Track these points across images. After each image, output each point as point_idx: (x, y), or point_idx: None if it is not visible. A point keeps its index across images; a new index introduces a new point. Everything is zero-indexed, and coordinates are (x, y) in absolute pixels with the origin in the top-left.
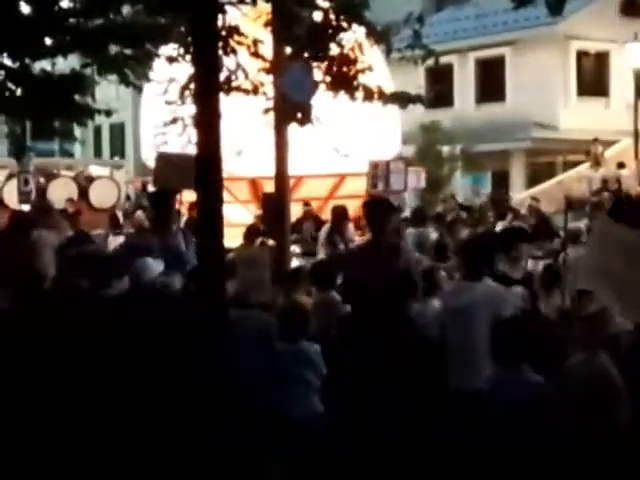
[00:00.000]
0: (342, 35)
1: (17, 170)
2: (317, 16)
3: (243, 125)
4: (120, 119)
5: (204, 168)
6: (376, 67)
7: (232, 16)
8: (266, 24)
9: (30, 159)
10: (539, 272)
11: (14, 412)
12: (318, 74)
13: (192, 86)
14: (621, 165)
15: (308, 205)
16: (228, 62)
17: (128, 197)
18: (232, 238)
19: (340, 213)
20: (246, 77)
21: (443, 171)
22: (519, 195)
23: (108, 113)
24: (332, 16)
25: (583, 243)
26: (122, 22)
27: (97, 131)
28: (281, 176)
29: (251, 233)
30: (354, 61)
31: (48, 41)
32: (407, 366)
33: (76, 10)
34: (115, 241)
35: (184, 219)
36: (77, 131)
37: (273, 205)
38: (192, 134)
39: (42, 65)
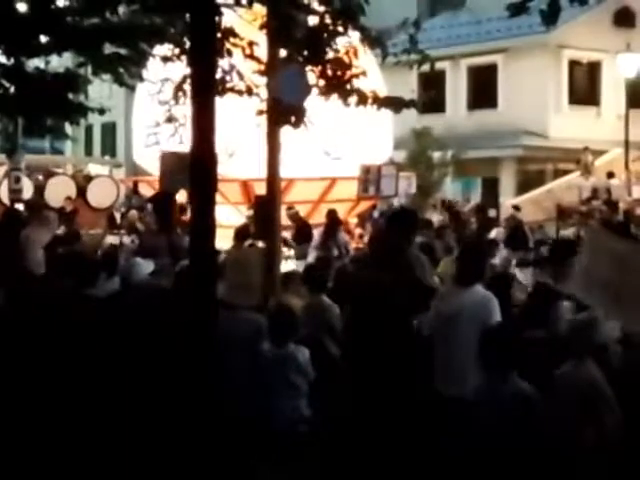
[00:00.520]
0: (337, 39)
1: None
2: (312, 20)
3: (235, 127)
4: (112, 118)
5: (198, 169)
6: (370, 72)
7: (228, 18)
8: (262, 26)
9: (22, 156)
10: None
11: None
12: (312, 77)
13: (186, 86)
14: (611, 175)
15: (292, 209)
16: (222, 63)
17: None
18: (222, 239)
19: (335, 218)
20: (240, 78)
21: (433, 176)
22: (509, 202)
23: (101, 111)
24: (328, 20)
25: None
26: (118, 22)
27: (88, 129)
28: (272, 179)
29: (241, 234)
30: (348, 65)
31: (43, 39)
32: (399, 372)
33: (72, 9)
34: (114, 241)
35: None
36: (68, 129)
37: (265, 208)
38: (184, 134)
39: (36, 63)
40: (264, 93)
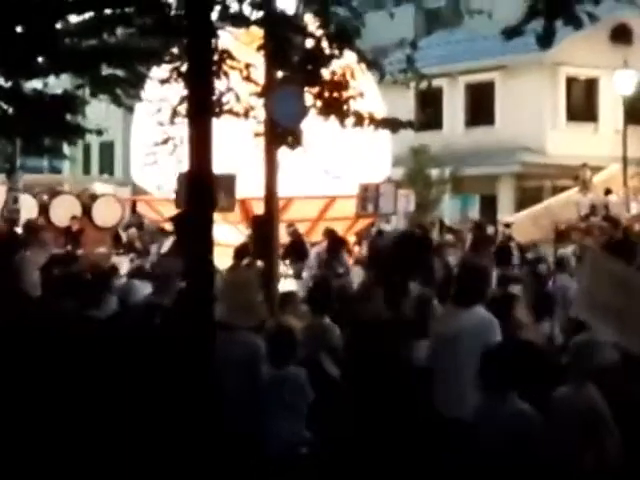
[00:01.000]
0: (333, 61)
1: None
2: (309, 42)
3: (234, 146)
4: (110, 137)
5: (195, 188)
6: (367, 91)
7: (225, 40)
8: (259, 48)
9: (20, 176)
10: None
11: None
12: (309, 98)
13: (183, 107)
14: (608, 191)
15: (291, 226)
16: (220, 85)
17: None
18: (221, 258)
19: (337, 237)
20: (237, 100)
21: (432, 194)
22: (507, 219)
23: (99, 132)
24: (324, 44)
25: (570, 270)
26: (115, 43)
27: (87, 148)
28: (270, 197)
29: (240, 253)
30: (345, 87)
31: (41, 60)
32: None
33: (70, 30)
34: (119, 261)
35: (169, 241)
36: (66, 148)
37: (263, 227)
38: (182, 154)
39: (34, 84)
40: (261, 114)
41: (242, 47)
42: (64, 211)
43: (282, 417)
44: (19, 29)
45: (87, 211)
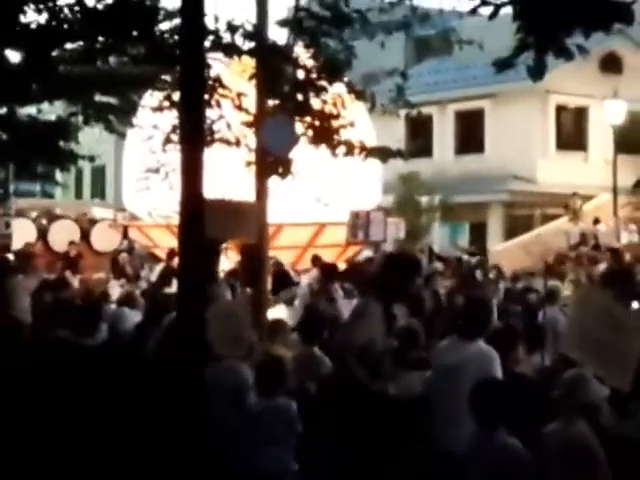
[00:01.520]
0: (325, 90)
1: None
2: (300, 73)
3: (224, 172)
4: (102, 161)
5: (187, 216)
6: (358, 120)
7: (217, 69)
8: (250, 78)
9: (12, 202)
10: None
11: None
12: (300, 127)
13: (175, 135)
14: (597, 221)
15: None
16: (211, 113)
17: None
18: None
19: (328, 264)
20: (229, 128)
21: (421, 221)
22: (496, 247)
23: (91, 159)
24: (314, 75)
25: (560, 302)
26: (109, 71)
27: (79, 173)
28: (260, 225)
29: (229, 279)
30: (336, 116)
31: (35, 87)
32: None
33: (64, 58)
34: (115, 287)
35: (160, 267)
36: (58, 173)
37: (252, 254)
38: (174, 181)
39: (27, 111)
40: (252, 142)
41: (234, 76)
42: (62, 236)
43: (270, 448)
44: (14, 56)
45: (86, 236)
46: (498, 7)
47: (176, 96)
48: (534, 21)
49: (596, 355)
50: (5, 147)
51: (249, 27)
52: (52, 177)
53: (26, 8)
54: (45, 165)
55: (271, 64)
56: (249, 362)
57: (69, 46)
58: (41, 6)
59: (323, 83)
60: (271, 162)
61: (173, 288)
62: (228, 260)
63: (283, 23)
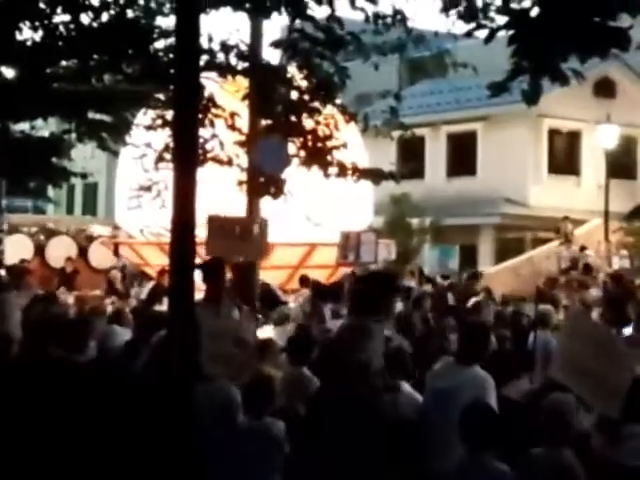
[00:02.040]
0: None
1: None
2: (293, 94)
3: (217, 190)
4: (94, 178)
5: (178, 234)
6: (351, 142)
7: (211, 88)
8: (244, 98)
9: (5, 218)
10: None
11: None
12: (293, 148)
13: (167, 153)
14: (583, 248)
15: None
16: (204, 132)
17: None
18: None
19: (321, 284)
20: (221, 148)
21: (412, 243)
22: (488, 270)
23: (84, 176)
24: (307, 96)
25: (551, 326)
26: (103, 89)
27: (70, 189)
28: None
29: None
30: (328, 137)
31: (29, 104)
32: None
33: (59, 75)
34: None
35: (150, 285)
36: (50, 188)
37: (242, 272)
38: (166, 199)
39: (21, 127)
40: (244, 162)
41: (227, 95)
42: (60, 252)
43: (258, 469)
44: (8, 72)
45: (83, 252)
46: (494, 31)
47: (169, 115)
48: (530, 45)
49: (585, 381)
50: None
51: (243, 47)
52: (44, 193)
53: (22, 25)
54: (38, 181)
55: (264, 84)
56: (238, 382)
57: (64, 63)
58: (37, 23)
59: (316, 104)
60: (263, 182)
61: (163, 306)
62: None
63: (276, 44)
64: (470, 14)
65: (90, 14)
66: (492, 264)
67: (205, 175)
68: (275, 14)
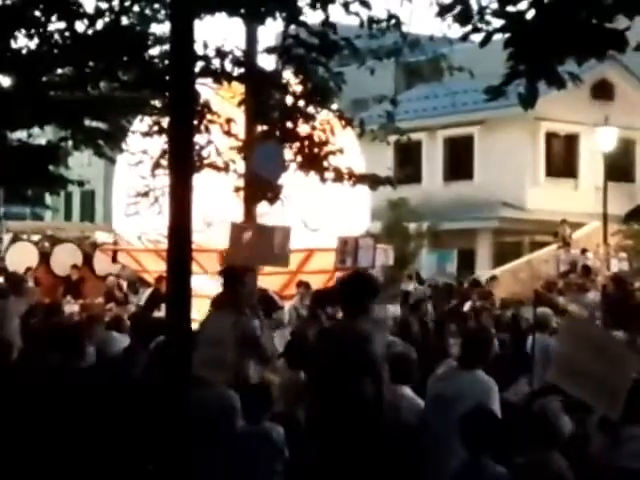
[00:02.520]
0: (313, 116)
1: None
2: (289, 100)
3: (214, 196)
4: (91, 185)
5: (175, 240)
6: (347, 147)
7: (207, 94)
8: (240, 103)
9: (3, 225)
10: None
11: None
12: (289, 153)
13: (164, 160)
14: (584, 251)
15: None
16: (200, 139)
17: None
18: (197, 309)
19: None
20: (218, 154)
21: (409, 248)
22: (486, 274)
23: (81, 184)
24: (302, 102)
25: (550, 329)
26: (99, 96)
27: (68, 196)
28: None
29: (216, 304)
30: (325, 143)
31: (26, 112)
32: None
33: (55, 83)
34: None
35: (148, 292)
36: (48, 195)
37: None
38: (163, 205)
39: (18, 135)
40: (241, 168)
41: (223, 102)
42: (65, 259)
43: (257, 475)
44: (5, 81)
45: (88, 260)
46: (490, 34)
47: (165, 121)
48: (526, 48)
49: (586, 384)
50: None
51: (238, 53)
52: (42, 201)
53: (17, 33)
54: (35, 189)
55: (260, 90)
56: (235, 387)
57: (59, 71)
58: (32, 31)
59: (312, 109)
60: (260, 188)
61: (161, 312)
62: (218, 284)
63: (271, 50)
64: (466, 17)
65: (85, 22)
66: (490, 268)
67: (201, 181)
68: (270, 20)
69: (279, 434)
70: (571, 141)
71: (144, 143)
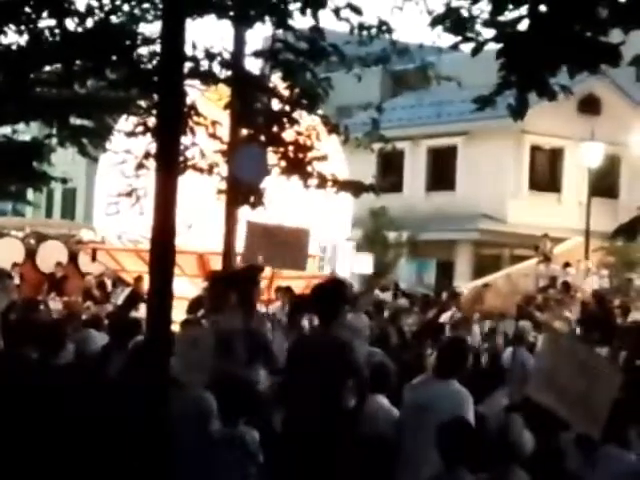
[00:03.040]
0: (299, 122)
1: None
2: (275, 104)
3: (195, 198)
4: (73, 183)
5: (158, 241)
6: (332, 153)
7: (193, 96)
8: (226, 106)
9: None
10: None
11: None
12: (273, 158)
13: (147, 160)
14: (567, 265)
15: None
16: (185, 140)
17: None
18: (176, 311)
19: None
20: (202, 156)
21: (388, 257)
22: (465, 285)
23: (64, 181)
24: (287, 107)
25: (529, 344)
26: (85, 94)
27: (49, 193)
28: (228, 253)
29: (194, 307)
30: (309, 148)
31: (12, 108)
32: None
33: (42, 80)
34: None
35: (127, 291)
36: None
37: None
38: (145, 206)
39: (3, 131)
40: (224, 171)
41: (209, 104)
42: (51, 257)
43: (230, 477)
44: None
45: (73, 258)
46: (481, 44)
47: (151, 122)
48: (518, 59)
49: (565, 401)
50: None
51: (227, 55)
52: (24, 196)
53: (7, 29)
54: (18, 185)
55: (246, 94)
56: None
57: (47, 68)
58: (22, 27)
59: (298, 115)
60: (243, 191)
61: (138, 312)
62: (195, 287)
63: (259, 54)
64: (457, 27)
65: (75, 19)
66: (469, 280)
67: (184, 183)
68: (259, 24)
69: (254, 438)
70: (556, 155)
71: (128, 143)
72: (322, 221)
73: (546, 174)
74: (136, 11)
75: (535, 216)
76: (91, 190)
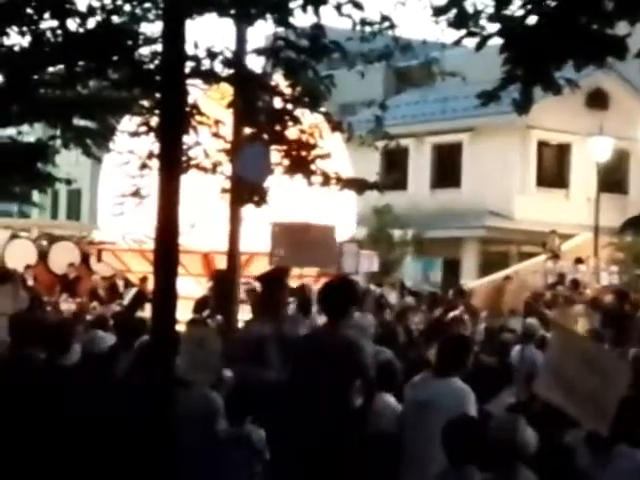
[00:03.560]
0: (302, 120)
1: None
2: (278, 102)
3: (199, 198)
4: (78, 184)
5: (162, 240)
6: (335, 151)
7: (195, 95)
8: (228, 105)
9: None
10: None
11: None
12: (276, 156)
13: (150, 160)
14: (579, 260)
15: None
16: (188, 139)
17: None
18: (181, 311)
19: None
20: (206, 156)
21: (394, 255)
22: (472, 283)
23: (68, 182)
24: (290, 105)
25: (537, 341)
26: (88, 95)
27: (55, 194)
28: (233, 252)
29: (200, 307)
30: (313, 146)
31: (16, 109)
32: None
33: (46, 81)
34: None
35: (133, 291)
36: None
37: (224, 282)
38: (149, 205)
39: (7, 132)
40: (228, 169)
41: (211, 103)
42: (63, 258)
43: (236, 476)
44: None
45: (85, 259)
46: (486, 38)
47: (154, 121)
48: (523, 53)
49: (573, 398)
50: None
51: (228, 54)
52: (29, 198)
53: (9, 30)
54: (23, 186)
55: (249, 92)
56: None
57: (50, 69)
58: (24, 29)
59: (300, 113)
60: (246, 190)
61: (145, 312)
62: (200, 286)
63: (260, 52)
64: (461, 21)
65: (77, 20)
66: (476, 278)
67: (187, 182)
68: (260, 21)
69: (259, 436)
70: (563, 150)
71: (131, 143)
72: (326, 219)
73: (553, 170)
74: (137, 11)
75: (543, 212)
76: (96, 191)
